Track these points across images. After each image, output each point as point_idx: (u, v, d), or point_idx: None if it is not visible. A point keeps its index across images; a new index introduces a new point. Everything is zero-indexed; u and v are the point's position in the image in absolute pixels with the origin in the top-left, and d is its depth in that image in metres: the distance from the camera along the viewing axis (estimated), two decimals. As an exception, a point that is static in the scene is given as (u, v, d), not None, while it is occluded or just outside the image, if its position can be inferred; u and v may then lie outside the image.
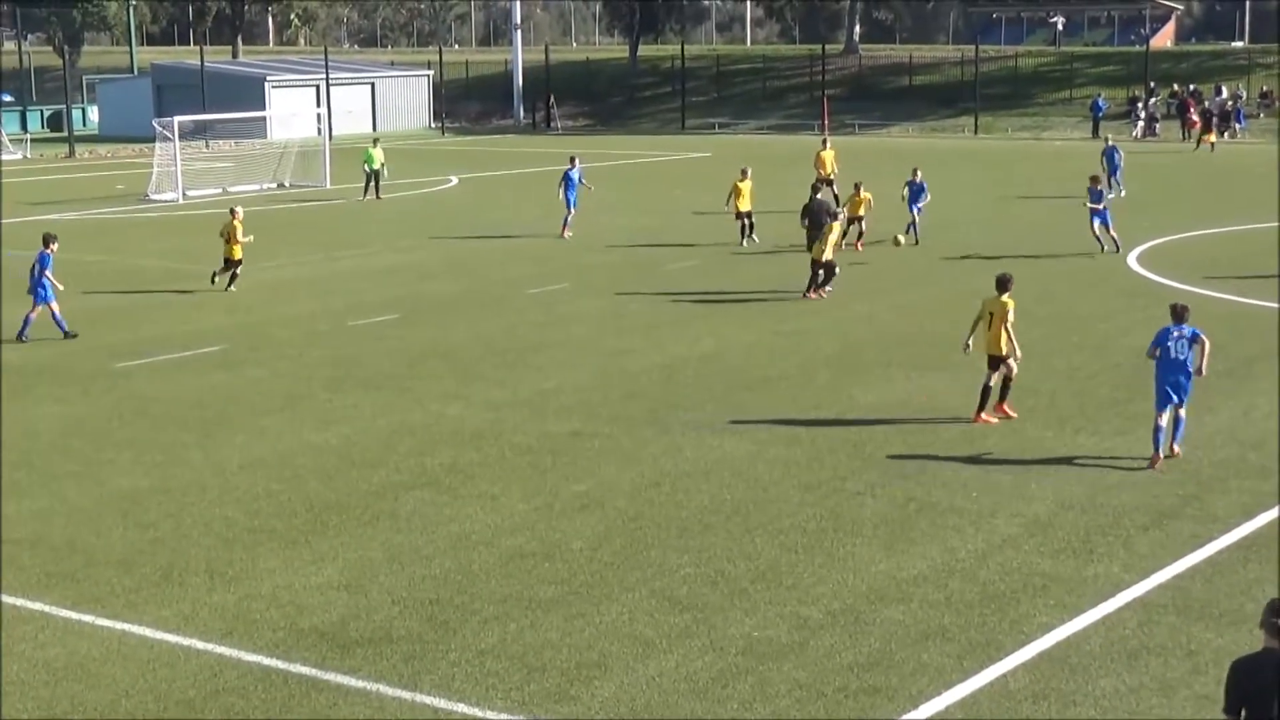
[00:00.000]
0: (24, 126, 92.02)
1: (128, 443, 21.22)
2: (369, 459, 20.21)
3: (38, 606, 14.97)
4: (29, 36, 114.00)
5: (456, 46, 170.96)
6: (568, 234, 41.82)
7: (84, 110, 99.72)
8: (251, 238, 34.29)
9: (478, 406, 23.09)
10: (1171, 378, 19.57)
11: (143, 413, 23.02)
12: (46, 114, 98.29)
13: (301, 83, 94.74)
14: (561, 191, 42.65)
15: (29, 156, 76.94)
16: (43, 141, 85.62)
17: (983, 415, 21.53)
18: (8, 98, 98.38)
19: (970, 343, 21.80)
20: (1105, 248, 36.81)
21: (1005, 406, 21.67)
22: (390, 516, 17.75)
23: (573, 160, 43.81)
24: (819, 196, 33.51)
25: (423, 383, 24.78)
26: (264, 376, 25.48)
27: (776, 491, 18.54)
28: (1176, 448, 19.79)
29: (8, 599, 15.17)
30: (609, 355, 26.75)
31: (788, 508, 17.88)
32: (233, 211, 34.55)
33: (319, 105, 76.74)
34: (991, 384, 21.48)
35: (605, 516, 17.65)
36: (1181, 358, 19.58)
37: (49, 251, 29.19)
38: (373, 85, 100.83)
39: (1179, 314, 19.88)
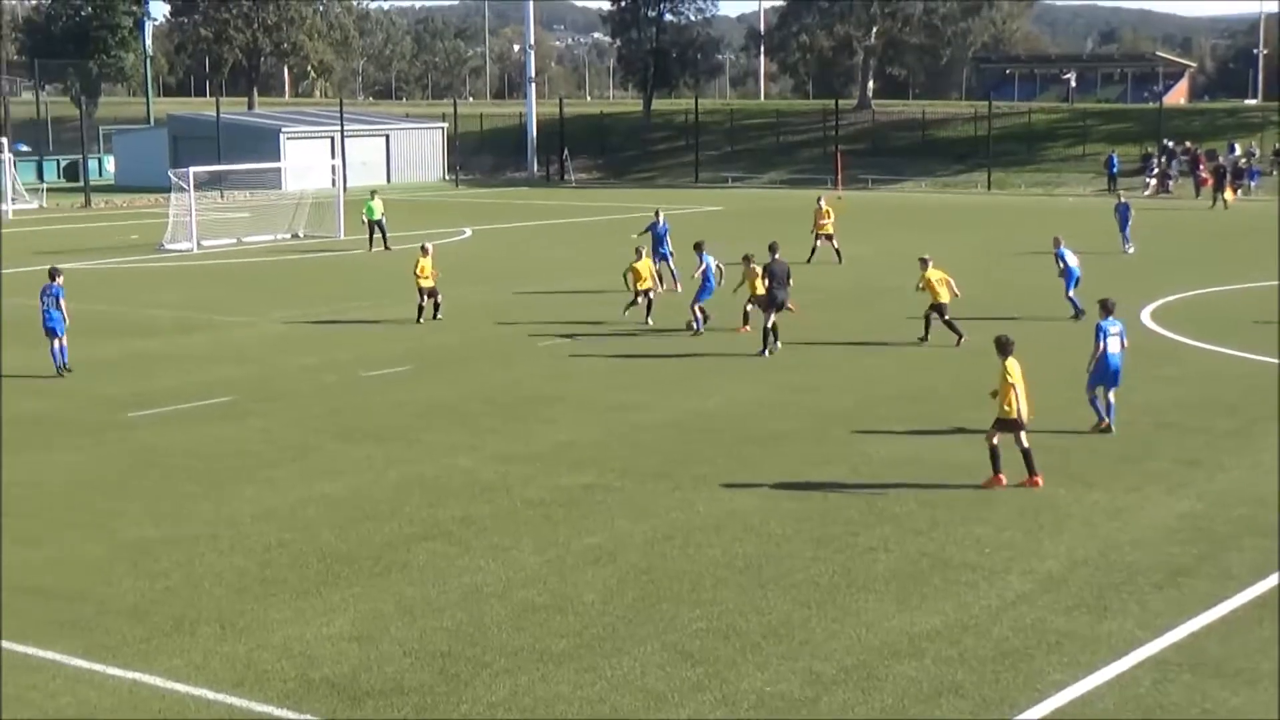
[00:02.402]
0: (40, 176, 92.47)
1: (139, 493, 21.23)
2: (380, 511, 20.19)
3: (49, 655, 14.94)
4: (46, 87, 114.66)
5: (471, 99, 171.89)
6: (678, 288, 41.26)
7: (100, 160, 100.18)
8: (438, 273, 36.61)
9: (489, 459, 23.07)
10: (1113, 366, 23.97)
11: (154, 463, 23.02)
12: (63, 164, 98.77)
13: (316, 134, 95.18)
14: (648, 247, 42.00)
15: (45, 206, 77.29)
16: (59, 191, 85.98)
17: (1037, 477, 21.15)
18: (24, 147, 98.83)
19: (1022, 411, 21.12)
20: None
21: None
22: (402, 568, 17.73)
23: (657, 213, 44.37)
24: (779, 257, 32.79)
25: (434, 435, 24.78)
26: (275, 428, 25.49)
27: (788, 546, 18.50)
28: (1111, 424, 24.15)
29: (20, 648, 15.15)
30: (620, 409, 26.74)
31: (800, 562, 17.83)
32: (424, 249, 36.65)
33: (333, 157, 77.05)
34: (1022, 443, 21.05)
35: (617, 570, 17.61)
36: (1116, 350, 23.98)
37: (57, 284, 30.25)
38: (387, 137, 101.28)
39: (1109, 308, 24.29)
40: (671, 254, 43.01)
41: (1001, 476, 21.02)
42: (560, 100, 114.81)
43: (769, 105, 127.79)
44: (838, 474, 21.97)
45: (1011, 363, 20.93)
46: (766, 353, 31.57)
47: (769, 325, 31.82)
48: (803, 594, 16.68)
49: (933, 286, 32.71)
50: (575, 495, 20.90)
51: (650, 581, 17.15)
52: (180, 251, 54.69)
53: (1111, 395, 24.18)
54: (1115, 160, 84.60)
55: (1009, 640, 15.25)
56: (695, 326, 34.58)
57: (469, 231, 62.14)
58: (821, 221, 49.00)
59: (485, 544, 18.64)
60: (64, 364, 30.11)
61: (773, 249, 32.98)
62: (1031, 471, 21.08)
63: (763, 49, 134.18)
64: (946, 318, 32.61)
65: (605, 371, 30.46)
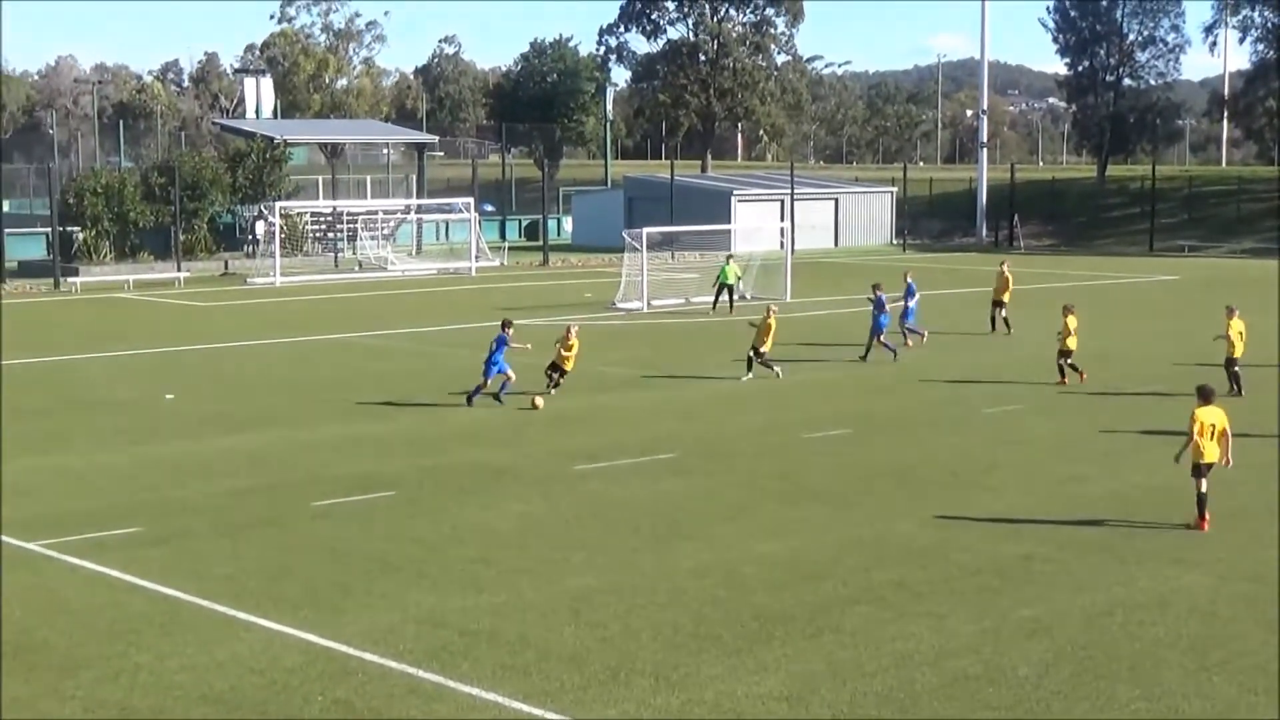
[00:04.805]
0: (503, 235, 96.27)
1: (582, 543, 21.81)
2: (815, 572, 20.24)
3: (492, 697, 15.49)
4: (512, 150, 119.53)
5: (921, 164, 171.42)
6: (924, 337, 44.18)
7: (559, 220, 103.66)
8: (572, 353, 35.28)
9: (927, 524, 22.89)
10: None
11: (597, 515, 23.64)
12: (524, 223, 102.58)
13: (767, 197, 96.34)
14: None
15: (505, 264, 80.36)
16: (519, 250, 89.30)
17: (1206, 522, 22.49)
18: (489, 208, 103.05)
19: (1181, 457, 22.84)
20: None
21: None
22: (834, 630, 17.73)
23: (906, 275, 47.28)
24: None
25: (872, 498, 24.73)
26: (715, 485, 25.85)
27: (1236, 628, 17.76)
28: None
29: (466, 688, 15.75)
30: (1064, 480, 26.18)
31: (1249, 646, 17.09)
32: (569, 330, 35.60)
33: (783, 219, 77.84)
34: (1199, 488, 22.45)
35: (1054, 643, 17.21)
36: None
37: (505, 334, 33.62)
38: (836, 200, 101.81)
39: None
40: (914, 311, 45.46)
41: (1203, 522, 22.41)
42: (1011, 165, 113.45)
43: (1229, 172, 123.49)
44: (1293, 556, 21.01)
45: (1202, 410, 22.42)
46: None
47: None
48: (1250, 680, 15.99)
49: (1230, 338, 33.76)
50: (1013, 565, 20.55)
51: (1088, 658, 16.71)
52: (631, 310, 56.09)
53: None
54: None
55: None
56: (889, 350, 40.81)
57: (915, 296, 61.82)
58: (1003, 290, 48.20)
59: (919, 610, 18.49)
60: (493, 391, 33.60)
61: None
62: (1200, 514, 22.44)
63: (1225, 114, 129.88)
64: (1235, 369, 33.86)
65: (1052, 441, 29.87)
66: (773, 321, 37.97)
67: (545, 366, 35.20)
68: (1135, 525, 22.84)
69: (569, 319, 49.88)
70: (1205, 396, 22.75)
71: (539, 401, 33.41)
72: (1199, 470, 22.50)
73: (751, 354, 37.89)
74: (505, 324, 34.40)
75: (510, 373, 33.67)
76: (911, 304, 45.66)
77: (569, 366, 35.13)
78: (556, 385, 34.92)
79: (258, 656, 16.75)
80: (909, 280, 46.18)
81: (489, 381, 33.56)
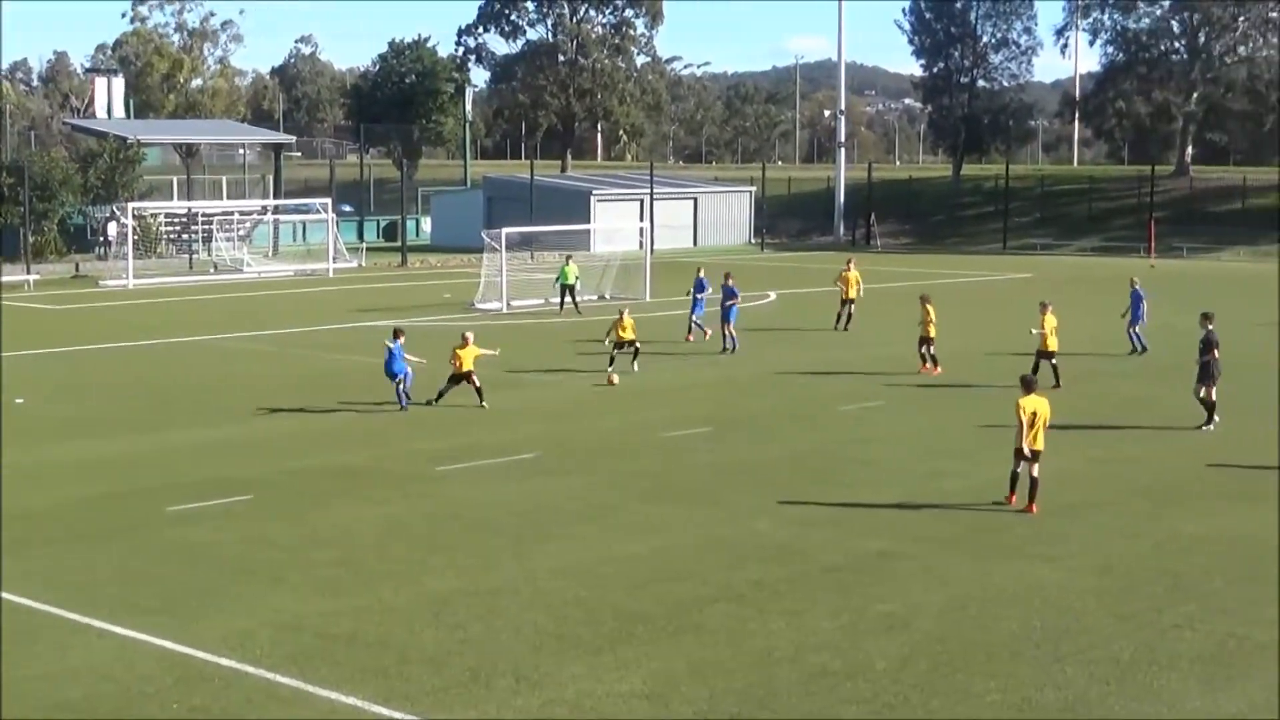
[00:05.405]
0: (361, 236, 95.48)
1: (442, 545, 21.73)
2: (677, 571, 20.31)
3: (351, 701, 15.38)
4: (370, 150, 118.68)
5: (779, 163, 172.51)
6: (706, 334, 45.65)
7: (418, 220, 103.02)
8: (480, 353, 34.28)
9: (787, 522, 23.06)
10: None
11: (458, 516, 23.56)
12: (383, 224, 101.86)
13: (626, 197, 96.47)
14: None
15: (364, 265, 79.77)
16: (378, 251, 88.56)
17: (1015, 498, 23.79)
18: (347, 208, 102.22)
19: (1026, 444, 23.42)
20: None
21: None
22: (695, 629, 17.80)
23: (699, 269, 48.74)
24: (1213, 328, 31.26)
25: (733, 497, 24.86)
26: (577, 485, 25.86)
27: (1088, 621, 18.08)
28: None
29: (325, 692, 15.64)
30: (921, 476, 26.49)
31: (1099, 638, 17.41)
32: (464, 338, 34.44)
33: (642, 219, 77.93)
34: (1031, 473, 23.52)
35: (911, 638, 17.42)
36: None
37: (398, 341, 33.44)
38: (695, 200, 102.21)
39: None
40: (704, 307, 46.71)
41: (1012, 497, 23.82)
42: (869, 165, 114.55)
43: (1081, 171, 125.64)
44: (1141, 549, 21.44)
45: (1026, 400, 23.49)
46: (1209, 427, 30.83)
47: (1213, 399, 30.85)
48: (1101, 670, 16.29)
49: (1045, 332, 35.96)
50: (871, 561, 20.77)
51: (944, 651, 16.93)
52: (490, 311, 55.93)
53: None
54: None
55: (1320, 727, 14.65)
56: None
57: (773, 295, 62.32)
58: (850, 288, 49.64)
59: (779, 607, 18.63)
60: (405, 405, 33.08)
61: (1208, 318, 31.63)
62: (1030, 498, 23.50)
63: (1076, 115, 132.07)
64: (1054, 363, 35.77)
65: (909, 437, 30.21)
66: (625, 320, 38.05)
67: (448, 377, 33.79)
68: (990, 519, 23.18)
69: (430, 320, 49.75)
70: (1028, 386, 23.99)
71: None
72: (1020, 455, 23.57)
73: (615, 352, 38.05)
74: (396, 332, 34.27)
75: (407, 380, 33.22)
76: (701, 297, 47.14)
77: (469, 366, 33.48)
78: (479, 394, 33.49)
79: (111, 664, 16.52)
80: (700, 275, 47.50)
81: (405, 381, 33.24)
